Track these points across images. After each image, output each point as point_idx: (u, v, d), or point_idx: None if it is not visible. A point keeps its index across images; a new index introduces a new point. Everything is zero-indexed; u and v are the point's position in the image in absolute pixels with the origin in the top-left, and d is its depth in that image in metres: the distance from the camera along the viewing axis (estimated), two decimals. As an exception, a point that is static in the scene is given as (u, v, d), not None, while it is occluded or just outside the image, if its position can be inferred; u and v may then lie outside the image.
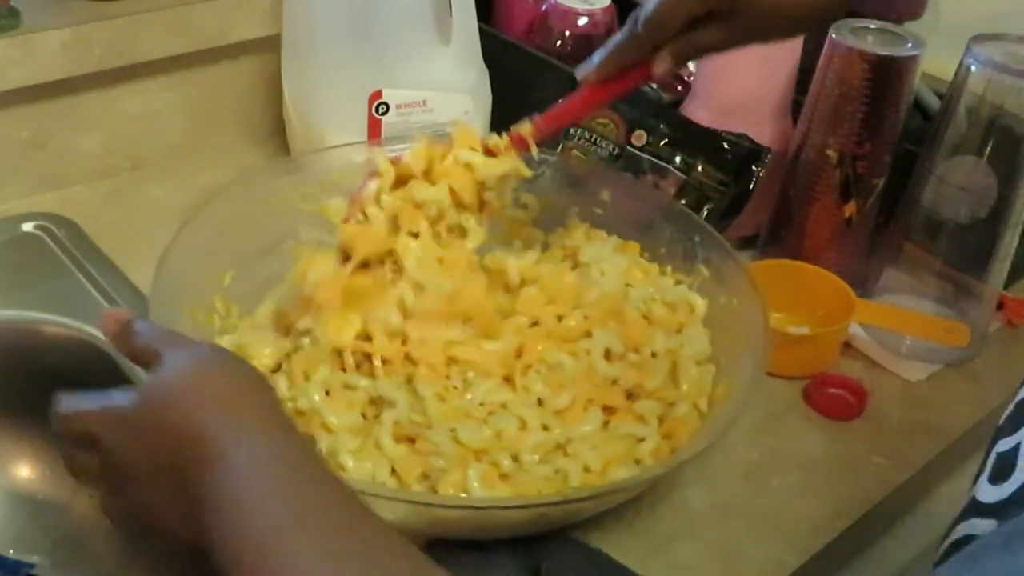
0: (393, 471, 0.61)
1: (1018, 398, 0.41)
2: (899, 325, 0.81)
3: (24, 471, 0.77)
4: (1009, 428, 0.40)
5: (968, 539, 0.37)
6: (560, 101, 0.71)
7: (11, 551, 0.75)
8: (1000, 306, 0.85)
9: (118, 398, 0.48)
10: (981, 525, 0.37)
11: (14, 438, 0.77)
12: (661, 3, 0.64)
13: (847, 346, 0.82)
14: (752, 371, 0.65)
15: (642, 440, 0.64)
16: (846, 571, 0.72)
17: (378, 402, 0.64)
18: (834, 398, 0.77)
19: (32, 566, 0.74)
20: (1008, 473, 0.38)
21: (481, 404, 0.64)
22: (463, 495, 0.59)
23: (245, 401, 0.47)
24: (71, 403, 0.50)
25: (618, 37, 0.67)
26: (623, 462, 0.63)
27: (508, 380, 0.66)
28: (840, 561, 0.71)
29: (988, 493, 0.38)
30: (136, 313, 0.54)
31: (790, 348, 0.76)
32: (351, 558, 0.39)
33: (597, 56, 0.68)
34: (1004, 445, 0.39)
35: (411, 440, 0.62)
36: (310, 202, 0.76)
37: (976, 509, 0.38)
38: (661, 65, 0.66)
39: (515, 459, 0.62)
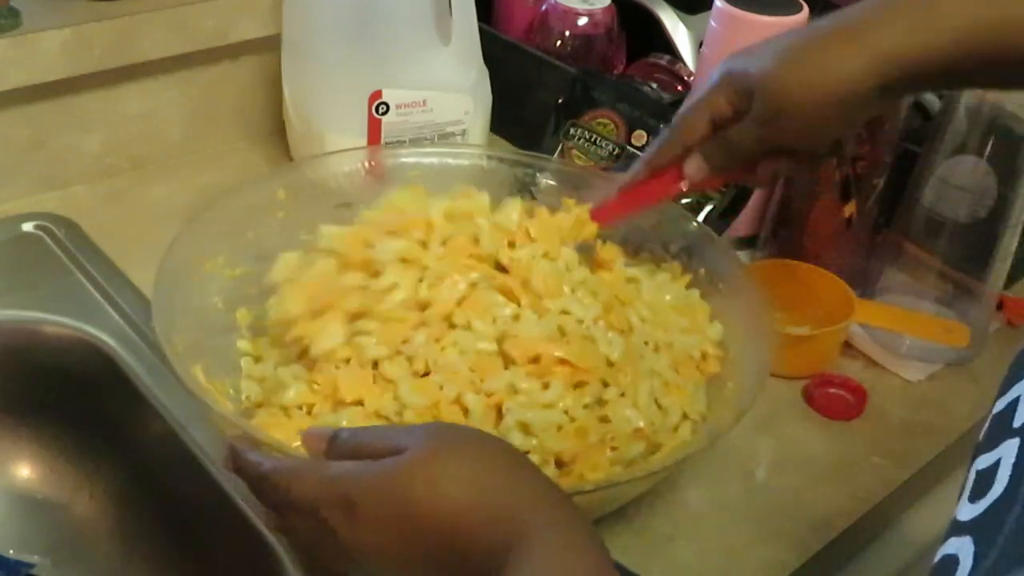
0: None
1: (995, 411, 0.40)
2: (899, 325, 0.81)
3: (24, 471, 0.77)
4: (988, 444, 0.39)
5: (948, 559, 0.37)
6: (594, 204, 0.71)
7: (11, 551, 0.75)
8: (1000, 306, 0.85)
9: (372, 466, 0.45)
10: (957, 543, 0.37)
11: (14, 438, 0.77)
12: (685, 105, 0.65)
13: (847, 346, 0.82)
14: (756, 371, 0.65)
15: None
16: (846, 571, 0.72)
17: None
18: (834, 398, 0.77)
19: (32, 566, 0.74)
20: (986, 490, 0.37)
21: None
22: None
23: (523, 477, 0.46)
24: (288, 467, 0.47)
25: (654, 144, 0.69)
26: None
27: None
28: (840, 561, 0.71)
29: (966, 511, 0.37)
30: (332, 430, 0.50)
31: (790, 348, 0.76)
32: None
33: (635, 164, 0.70)
34: (983, 462, 0.38)
35: None
36: (309, 206, 0.77)
37: (956, 528, 0.37)
38: (691, 166, 0.66)
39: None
